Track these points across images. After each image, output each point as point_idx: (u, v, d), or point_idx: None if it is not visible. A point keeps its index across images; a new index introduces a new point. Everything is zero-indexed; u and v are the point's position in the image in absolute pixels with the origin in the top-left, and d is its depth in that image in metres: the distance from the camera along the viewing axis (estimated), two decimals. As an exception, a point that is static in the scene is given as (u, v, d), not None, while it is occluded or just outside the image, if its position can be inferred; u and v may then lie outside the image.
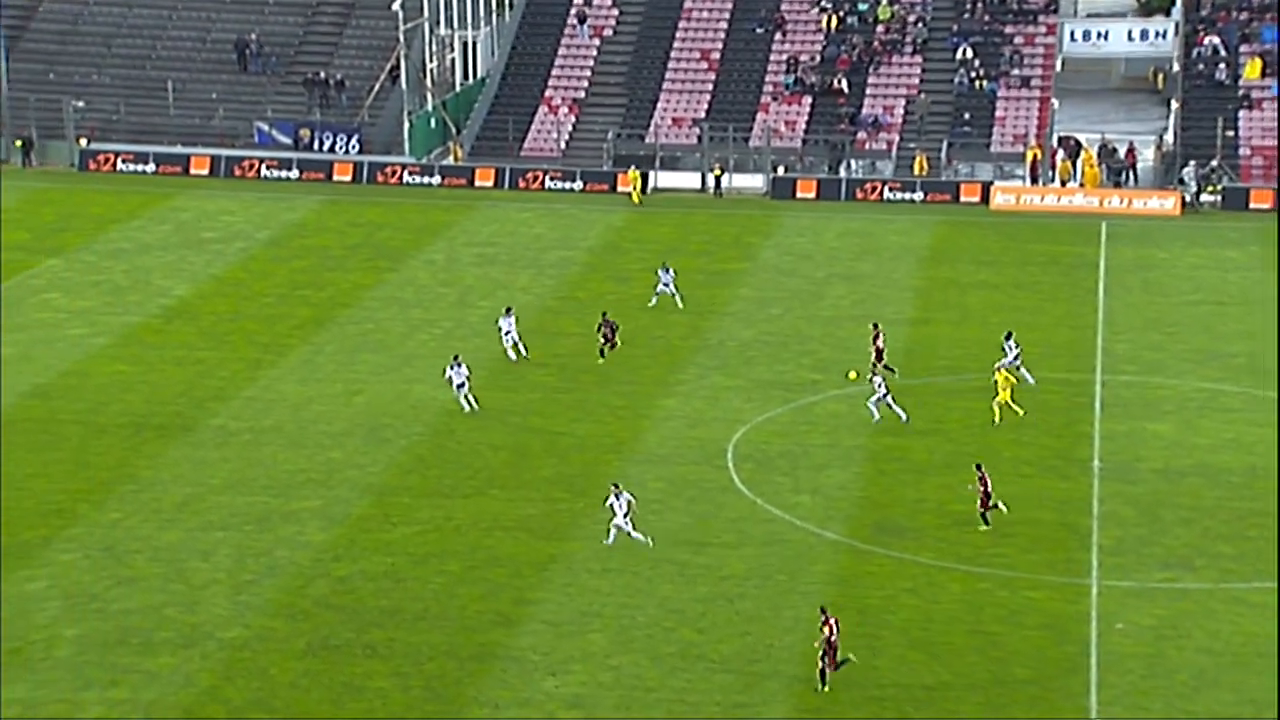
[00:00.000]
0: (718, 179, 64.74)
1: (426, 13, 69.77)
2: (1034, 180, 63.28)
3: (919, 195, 62.86)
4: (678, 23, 71.68)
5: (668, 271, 50.03)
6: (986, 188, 62.80)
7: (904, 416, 39.72)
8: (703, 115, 68.04)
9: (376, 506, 35.70)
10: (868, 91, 67.88)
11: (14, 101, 67.11)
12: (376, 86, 69.75)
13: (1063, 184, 62.44)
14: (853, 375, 41.66)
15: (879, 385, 39.90)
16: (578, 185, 64.94)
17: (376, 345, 46.34)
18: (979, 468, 34.97)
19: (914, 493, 36.62)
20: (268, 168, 65.95)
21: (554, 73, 70.66)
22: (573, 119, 69.14)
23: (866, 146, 66.20)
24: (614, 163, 66.49)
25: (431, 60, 70.62)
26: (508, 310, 45.62)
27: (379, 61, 70.81)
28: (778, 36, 70.44)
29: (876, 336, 43.43)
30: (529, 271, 53.93)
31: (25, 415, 39.97)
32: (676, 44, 70.96)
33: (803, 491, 36.67)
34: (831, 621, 28.07)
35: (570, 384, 43.39)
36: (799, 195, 63.82)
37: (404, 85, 68.29)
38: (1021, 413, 40.00)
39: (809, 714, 27.81)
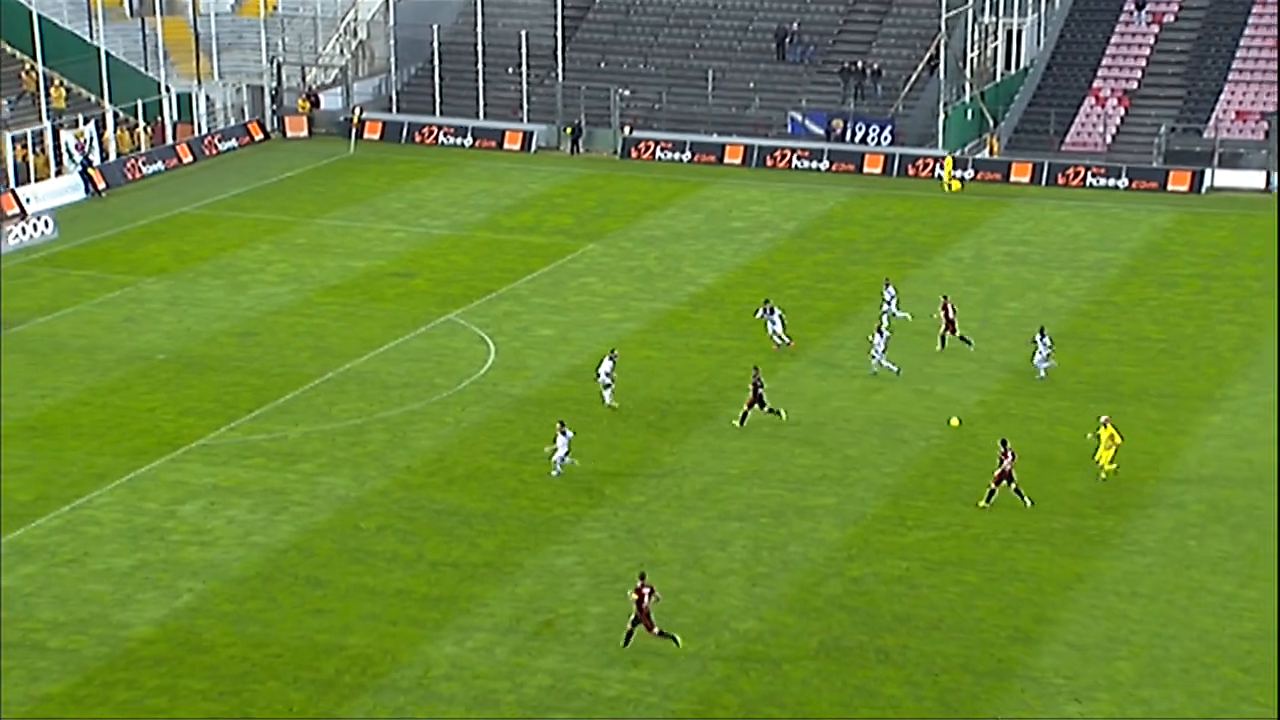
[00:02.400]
0: (1283, 179, 60.85)
1: (971, 0, 69.20)
2: None
3: None
4: (1251, 7, 67.77)
5: (888, 287, 47.39)
6: None
7: (896, 369, 42.41)
8: (1272, 108, 64.03)
9: (892, 508, 35.92)
10: None
11: (568, 90, 71.76)
12: (913, 76, 69.80)
13: None
14: (955, 422, 38.40)
15: (880, 340, 42.21)
16: (1123, 183, 62.69)
17: (898, 342, 46.53)
18: (1004, 443, 35.39)
19: None
20: (799, 158, 67.40)
21: (1104, 62, 68.45)
22: (1122, 111, 66.73)
23: None
24: (1165, 159, 63.74)
25: (973, 49, 69.96)
26: (770, 308, 45.84)
27: (918, 51, 70.84)
28: (1371, 20, 65.41)
29: (946, 308, 45.08)
30: (1063, 273, 52.57)
31: (563, 395, 42.75)
32: (1248, 30, 67.14)
33: (1370, 530, 34.01)
34: (645, 590, 28.87)
35: (1103, 394, 42.03)
36: (1381, 197, 59.08)
37: (942, 75, 68.02)
38: (1107, 472, 35.97)
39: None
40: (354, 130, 71.16)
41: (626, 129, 70.31)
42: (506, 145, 71.11)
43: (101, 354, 44.80)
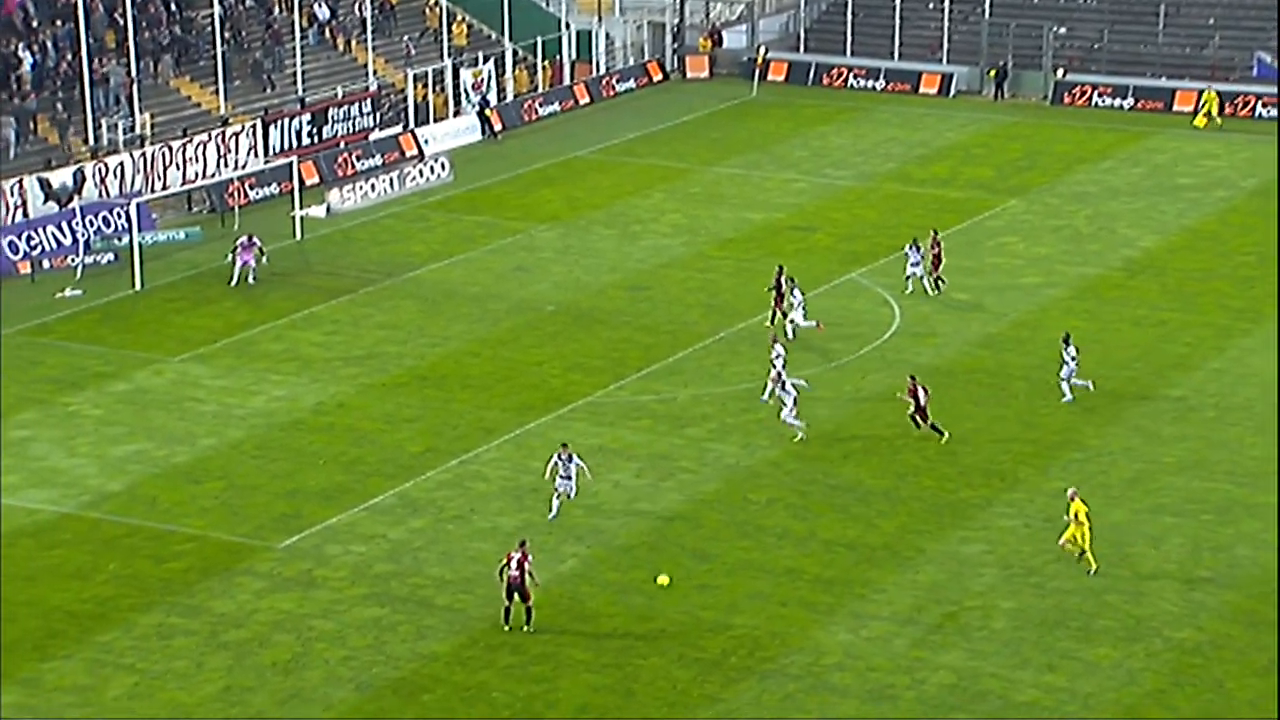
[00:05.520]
0: None
1: None
2: None
3: None
4: None
5: (917, 250, 45.48)
6: None
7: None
8: None
9: (1361, 514, 33.84)
10: None
11: (994, 28, 70.21)
12: None
13: None
14: (663, 580, 31.46)
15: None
16: None
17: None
18: (913, 379, 37.27)
19: None
20: (1264, 105, 64.14)
21: None
22: None
23: None
24: None
25: None
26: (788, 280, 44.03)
27: None
28: None
29: (935, 244, 46.45)
30: None
31: (974, 366, 42.04)
32: None
33: None
34: (518, 556, 29.40)
35: None
36: None
37: None
38: (1094, 568, 31.26)
39: None
40: (757, 71, 71.68)
41: (1059, 71, 68.35)
42: (922, 89, 70.24)
43: (492, 303, 46.76)
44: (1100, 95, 66.95)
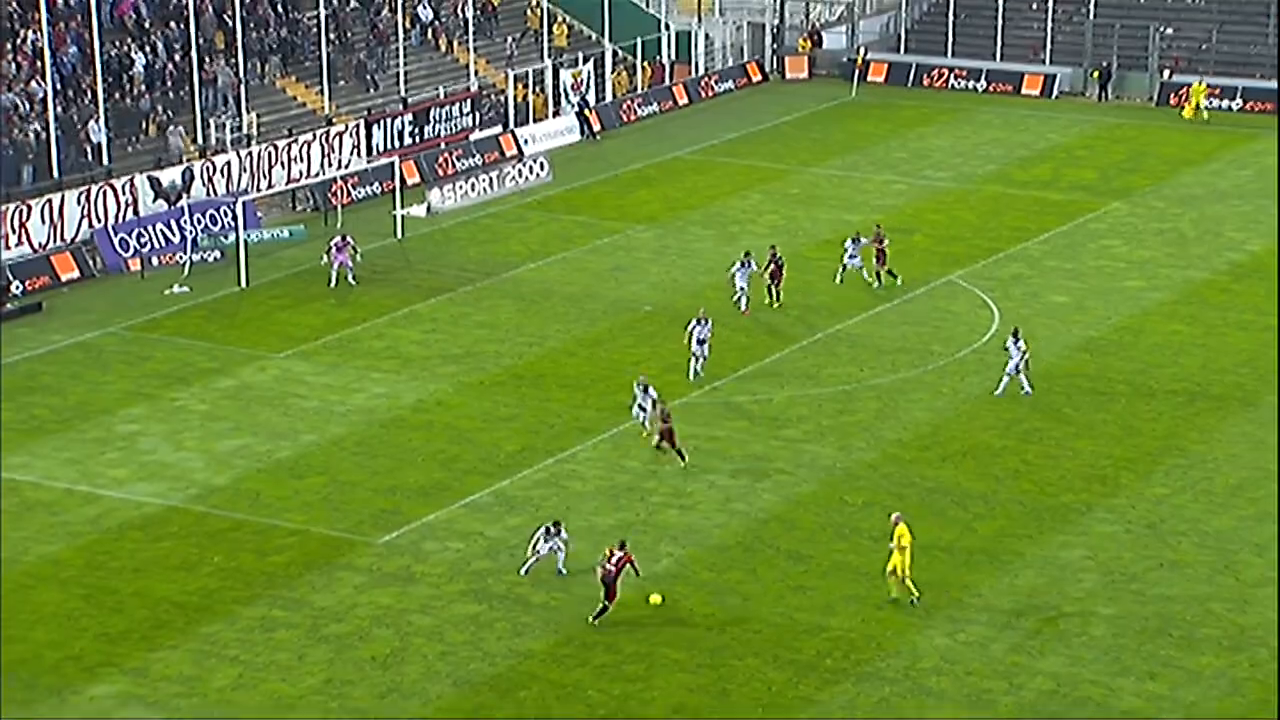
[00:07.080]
0: None
1: None
2: None
3: None
4: None
5: (855, 244, 45.84)
6: None
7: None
8: None
9: None
10: None
11: (1098, 28, 69.37)
12: None
13: None
14: (655, 599, 30.41)
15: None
16: None
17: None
18: (663, 404, 37.08)
19: None
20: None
21: None
22: None
23: None
24: None
25: None
26: (747, 260, 45.17)
27: None
28: None
29: (878, 240, 46.56)
30: None
31: (1074, 370, 41.59)
32: None
33: None
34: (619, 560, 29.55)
35: None
36: None
37: None
38: (917, 595, 30.16)
39: None
40: (857, 72, 71.34)
41: (1165, 72, 67.40)
42: (1024, 90, 69.62)
43: (589, 303, 46.87)
44: (1207, 97, 65.92)
